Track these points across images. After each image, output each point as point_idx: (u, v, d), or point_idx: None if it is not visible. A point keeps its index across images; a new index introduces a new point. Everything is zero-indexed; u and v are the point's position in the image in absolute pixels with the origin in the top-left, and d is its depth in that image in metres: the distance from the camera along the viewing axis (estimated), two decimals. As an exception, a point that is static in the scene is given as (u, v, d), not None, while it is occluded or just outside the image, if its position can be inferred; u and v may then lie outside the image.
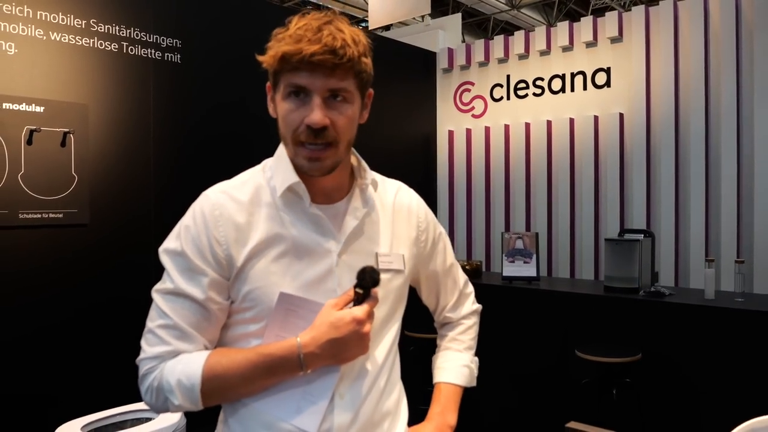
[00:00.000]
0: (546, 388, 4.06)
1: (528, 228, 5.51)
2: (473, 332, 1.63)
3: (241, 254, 1.21)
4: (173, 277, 1.21)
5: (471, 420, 4.42)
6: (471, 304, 1.65)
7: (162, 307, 1.20)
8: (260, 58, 1.20)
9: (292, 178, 1.24)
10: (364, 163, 1.34)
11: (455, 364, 1.55)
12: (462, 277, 1.62)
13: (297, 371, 1.17)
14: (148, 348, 1.20)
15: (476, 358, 1.60)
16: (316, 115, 1.15)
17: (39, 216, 3.20)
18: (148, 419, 2.84)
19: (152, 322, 1.21)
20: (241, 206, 1.23)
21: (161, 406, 1.20)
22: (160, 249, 1.25)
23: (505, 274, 4.44)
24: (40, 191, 3.21)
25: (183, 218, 1.26)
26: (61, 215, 3.29)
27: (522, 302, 4.21)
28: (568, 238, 5.28)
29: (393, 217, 1.39)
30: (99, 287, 3.44)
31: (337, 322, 1.16)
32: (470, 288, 1.66)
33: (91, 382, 3.38)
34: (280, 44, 1.16)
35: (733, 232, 4.44)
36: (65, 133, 3.30)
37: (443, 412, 1.46)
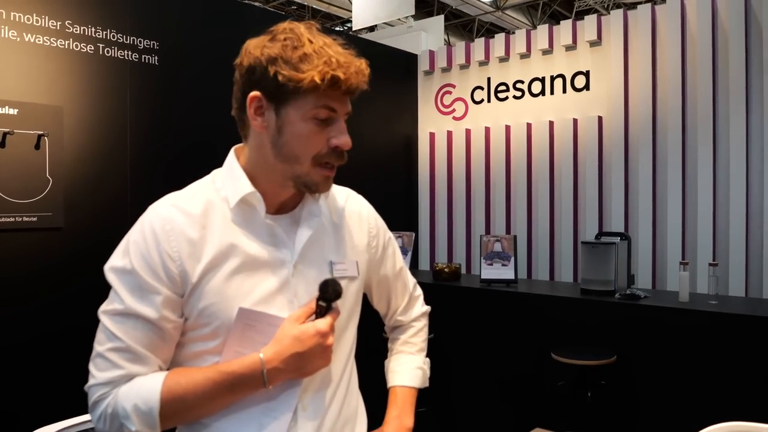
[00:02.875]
0: (522, 390, 4.08)
1: (508, 230, 5.53)
2: (424, 334, 1.63)
3: (195, 269, 1.17)
4: (122, 297, 1.16)
5: (446, 422, 4.43)
6: (420, 306, 1.64)
7: (111, 329, 1.15)
8: (286, 72, 1.14)
9: (247, 188, 1.22)
10: None
11: (408, 367, 1.54)
12: (411, 280, 1.63)
13: (259, 387, 1.16)
14: (99, 373, 1.15)
15: (428, 359, 1.60)
16: (347, 138, 1.20)
17: (12, 220, 3.17)
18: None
19: (101, 345, 1.16)
20: (193, 219, 1.20)
21: None
22: (106, 267, 1.21)
23: (483, 276, 4.46)
24: (14, 194, 3.18)
25: (129, 234, 1.21)
26: (35, 219, 3.26)
27: (499, 305, 4.23)
28: (547, 241, 5.31)
29: (345, 224, 1.39)
30: (74, 292, 3.40)
31: (300, 336, 1.16)
32: (419, 291, 1.65)
33: (66, 389, 3.35)
34: (318, 63, 1.13)
35: (709, 235, 4.48)
36: (39, 136, 3.27)
37: (400, 415, 1.45)
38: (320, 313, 1.18)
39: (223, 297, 1.18)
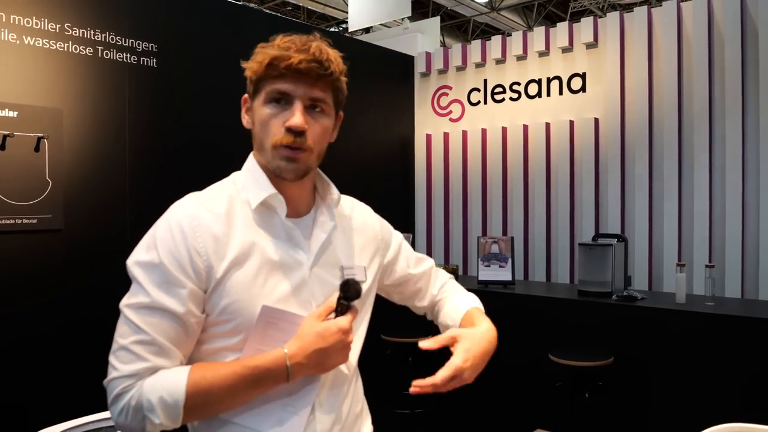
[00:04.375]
0: (519, 391, 4.10)
1: (505, 232, 5.55)
2: (457, 285, 1.67)
3: (220, 266, 1.19)
4: (148, 290, 1.16)
5: (444, 424, 4.44)
6: (443, 276, 1.68)
7: (136, 322, 1.15)
8: (245, 64, 1.24)
9: (269, 189, 1.26)
10: (327, 179, 1.38)
11: (462, 298, 1.58)
12: (427, 261, 1.66)
13: (282, 382, 1.18)
14: (122, 366, 1.15)
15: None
16: (298, 118, 1.20)
17: (12, 222, 3.18)
18: (121, 426, 2.83)
19: (124, 338, 1.16)
20: (217, 217, 1.23)
21: (137, 426, 1.14)
22: (130, 261, 1.21)
23: (480, 278, 4.48)
24: (14, 196, 3.18)
25: (154, 229, 1.23)
26: (35, 221, 3.27)
27: (497, 306, 4.20)
28: (544, 242, 5.33)
29: (353, 230, 1.42)
30: (74, 293, 3.42)
31: (323, 332, 1.18)
32: (431, 261, 1.67)
33: (69, 389, 3.36)
34: (266, 51, 1.21)
35: (705, 237, 4.51)
36: (39, 138, 3.28)
37: (483, 321, 1.47)
38: (340, 311, 1.22)
39: (245, 294, 1.20)
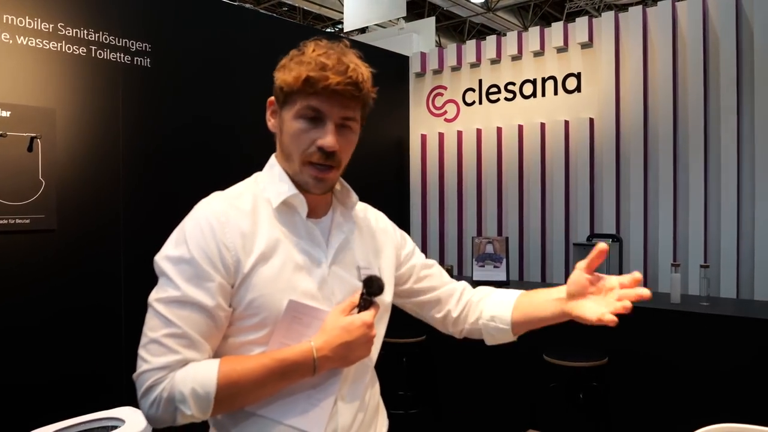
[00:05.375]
0: (514, 392, 4.10)
1: (500, 232, 5.55)
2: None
3: (248, 260, 1.22)
4: (179, 284, 1.19)
5: (438, 425, 4.44)
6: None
7: (167, 316, 1.17)
8: (281, 77, 1.26)
9: (291, 190, 1.30)
10: (346, 184, 1.42)
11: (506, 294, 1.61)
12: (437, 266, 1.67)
13: (308, 374, 1.21)
14: (154, 358, 1.16)
15: None
16: (331, 140, 1.24)
17: (5, 222, 3.16)
18: (114, 427, 2.82)
19: (155, 331, 1.18)
20: (244, 214, 1.26)
21: (168, 417, 1.17)
22: (159, 257, 1.23)
23: (475, 278, 4.48)
24: (7, 196, 3.17)
25: (183, 226, 1.25)
26: (28, 221, 3.26)
27: (492, 306, 4.24)
28: (539, 242, 5.33)
29: (368, 233, 1.47)
30: (67, 294, 3.40)
31: (348, 326, 1.23)
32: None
33: (60, 390, 3.35)
34: (301, 67, 1.23)
35: (700, 237, 4.51)
36: (32, 138, 3.27)
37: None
38: (363, 306, 1.26)
39: (271, 289, 1.23)
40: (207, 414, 1.17)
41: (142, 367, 1.17)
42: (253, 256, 1.23)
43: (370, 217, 1.52)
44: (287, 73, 1.24)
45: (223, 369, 1.17)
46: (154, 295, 1.21)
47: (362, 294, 1.26)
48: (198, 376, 1.16)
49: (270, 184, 1.32)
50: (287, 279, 1.25)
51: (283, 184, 1.30)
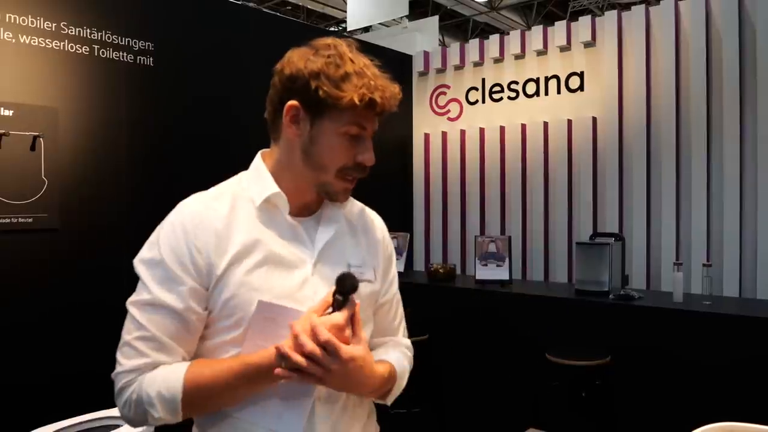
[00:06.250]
0: (516, 391, 4.09)
1: (503, 231, 5.54)
2: (410, 360, 1.51)
3: (221, 262, 1.21)
4: (150, 288, 1.20)
5: (440, 423, 4.44)
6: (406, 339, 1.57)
7: (139, 319, 1.19)
8: (326, 89, 1.20)
9: (272, 188, 1.28)
10: None
11: (399, 356, 1.44)
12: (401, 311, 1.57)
13: (278, 380, 1.17)
14: (126, 361, 1.19)
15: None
16: (372, 157, 1.29)
17: (8, 221, 3.17)
18: (115, 426, 2.83)
19: (129, 334, 1.20)
20: (219, 215, 1.25)
21: (140, 419, 1.19)
22: (136, 260, 1.25)
23: (478, 277, 4.48)
24: (9, 196, 3.18)
25: (159, 228, 1.26)
26: (30, 220, 3.26)
27: (494, 305, 4.25)
28: (541, 241, 5.32)
29: (362, 232, 1.43)
30: (69, 293, 3.41)
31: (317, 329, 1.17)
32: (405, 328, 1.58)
33: (62, 389, 3.36)
34: (355, 84, 1.21)
35: (702, 236, 4.50)
36: (35, 137, 3.27)
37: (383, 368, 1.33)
38: (337, 306, 1.19)
39: (245, 289, 1.22)
40: (177, 416, 1.18)
41: (116, 368, 1.21)
42: (227, 257, 1.22)
43: (367, 216, 1.48)
44: (335, 87, 1.20)
45: (189, 373, 1.18)
46: (130, 299, 1.23)
47: (334, 293, 1.20)
48: (165, 379, 1.17)
49: (254, 183, 1.31)
50: (263, 279, 1.23)
51: (266, 183, 1.29)
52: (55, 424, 2.81)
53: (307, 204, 1.34)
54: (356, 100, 1.19)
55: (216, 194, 1.31)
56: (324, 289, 1.28)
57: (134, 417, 1.19)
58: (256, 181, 1.31)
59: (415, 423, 4.32)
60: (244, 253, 1.23)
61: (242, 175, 1.36)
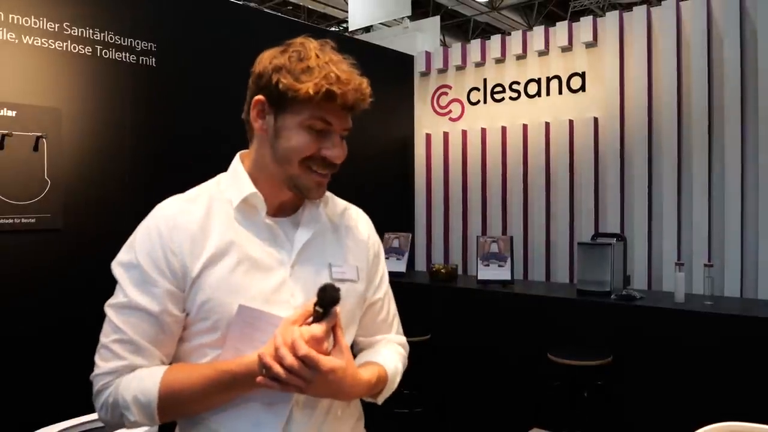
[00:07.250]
0: (518, 390, 4.10)
1: (504, 231, 5.54)
2: (404, 356, 1.54)
3: (196, 264, 1.21)
4: (126, 290, 1.21)
5: (442, 423, 4.44)
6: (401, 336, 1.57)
7: (115, 322, 1.20)
8: (287, 82, 1.20)
9: (249, 188, 1.27)
10: None
11: (392, 355, 1.46)
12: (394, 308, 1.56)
13: (255, 387, 1.16)
14: (103, 363, 1.21)
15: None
16: (338, 153, 1.25)
17: (11, 221, 3.18)
18: (119, 426, 2.83)
19: (106, 337, 1.22)
20: (195, 217, 1.25)
21: (117, 422, 1.20)
22: (113, 262, 1.26)
23: (479, 277, 4.48)
24: (12, 196, 3.18)
25: (135, 231, 1.27)
26: (33, 220, 3.27)
27: (496, 305, 4.25)
28: (543, 242, 5.33)
29: (345, 231, 1.41)
30: (72, 293, 3.41)
31: (294, 342, 1.13)
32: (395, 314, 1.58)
33: (64, 390, 3.36)
34: (315, 77, 1.19)
35: (704, 236, 4.50)
36: (38, 137, 3.28)
37: (362, 371, 1.31)
38: (317, 317, 1.17)
39: (221, 291, 1.21)
40: (153, 421, 1.18)
41: (94, 371, 1.22)
42: (202, 259, 1.21)
43: (351, 215, 1.46)
44: (294, 79, 1.19)
45: (165, 378, 1.18)
46: (108, 302, 1.24)
47: (314, 305, 1.17)
48: (141, 384, 1.18)
49: (231, 184, 1.31)
50: (239, 281, 1.22)
51: (243, 184, 1.28)
52: (59, 424, 2.81)
53: (285, 204, 1.33)
54: (311, 92, 1.17)
55: (192, 196, 1.31)
56: (301, 292, 1.27)
57: (111, 420, 1.20)
58: (234, 181, 1.31)
59: (417, 423, 4.33)
60: (218, 256, 1.22)
61: (221, 176, 1.36)
